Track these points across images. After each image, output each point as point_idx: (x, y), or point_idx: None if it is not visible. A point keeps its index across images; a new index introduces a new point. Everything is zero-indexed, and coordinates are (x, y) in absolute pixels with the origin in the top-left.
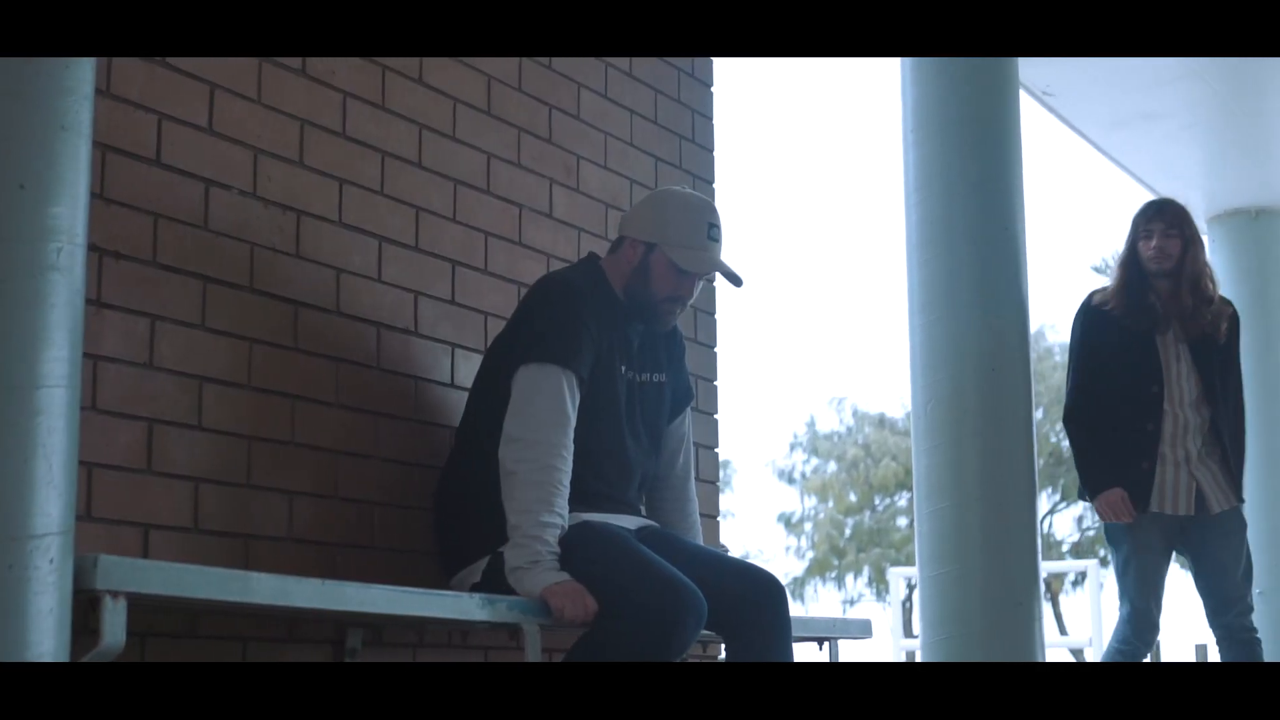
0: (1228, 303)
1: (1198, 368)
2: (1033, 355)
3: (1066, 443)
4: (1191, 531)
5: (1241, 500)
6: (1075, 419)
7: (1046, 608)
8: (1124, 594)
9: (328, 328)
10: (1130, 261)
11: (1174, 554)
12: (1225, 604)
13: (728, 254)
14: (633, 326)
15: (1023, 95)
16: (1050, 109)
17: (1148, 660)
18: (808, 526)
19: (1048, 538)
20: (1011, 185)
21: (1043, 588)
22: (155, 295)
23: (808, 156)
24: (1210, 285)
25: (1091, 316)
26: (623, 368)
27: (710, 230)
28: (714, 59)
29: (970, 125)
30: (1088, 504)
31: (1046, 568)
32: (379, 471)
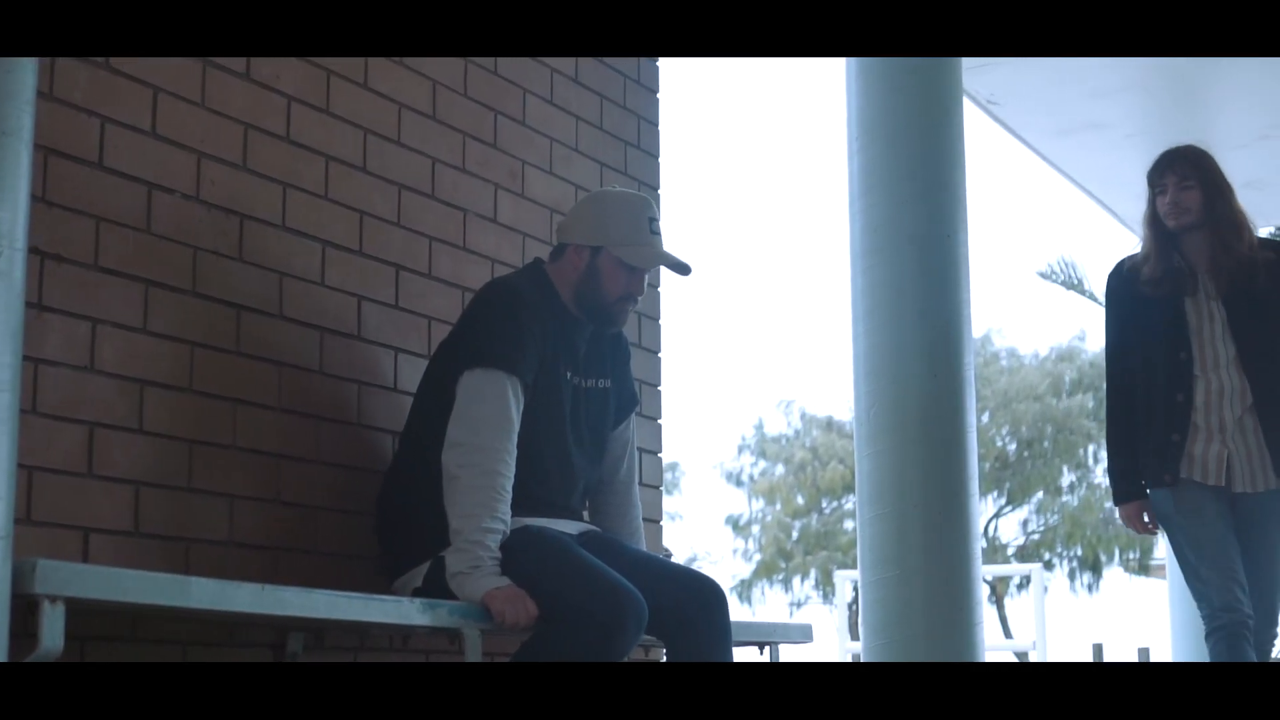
0: (1269, 246)
1: (1233, 327)
2: (978, 360)
3: (1013, 446)
4: (1239, 511)
5: None
6: (1108, 411)
7: (992, 611)
8: (1190, 582)
9: (270, 331)
10: (1152, 220)
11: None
12: (1261, 613)
13: (674, 250)
14: (579, 332)
15: (967, 104)
16: (995, 117)
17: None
18: (755, 529)
19: (993, 541)
20: (955, 193)
21: (987, 591)
22: (97, 298)
23: (754, 160)
24: (1243, 234)
25: (1113, 285)
26: (568, 373)
27: (651, 224)
28: (659, 64)
29: (915, 133)
30: (1033, 508)
31: (992, 571)
32: (321, 475)
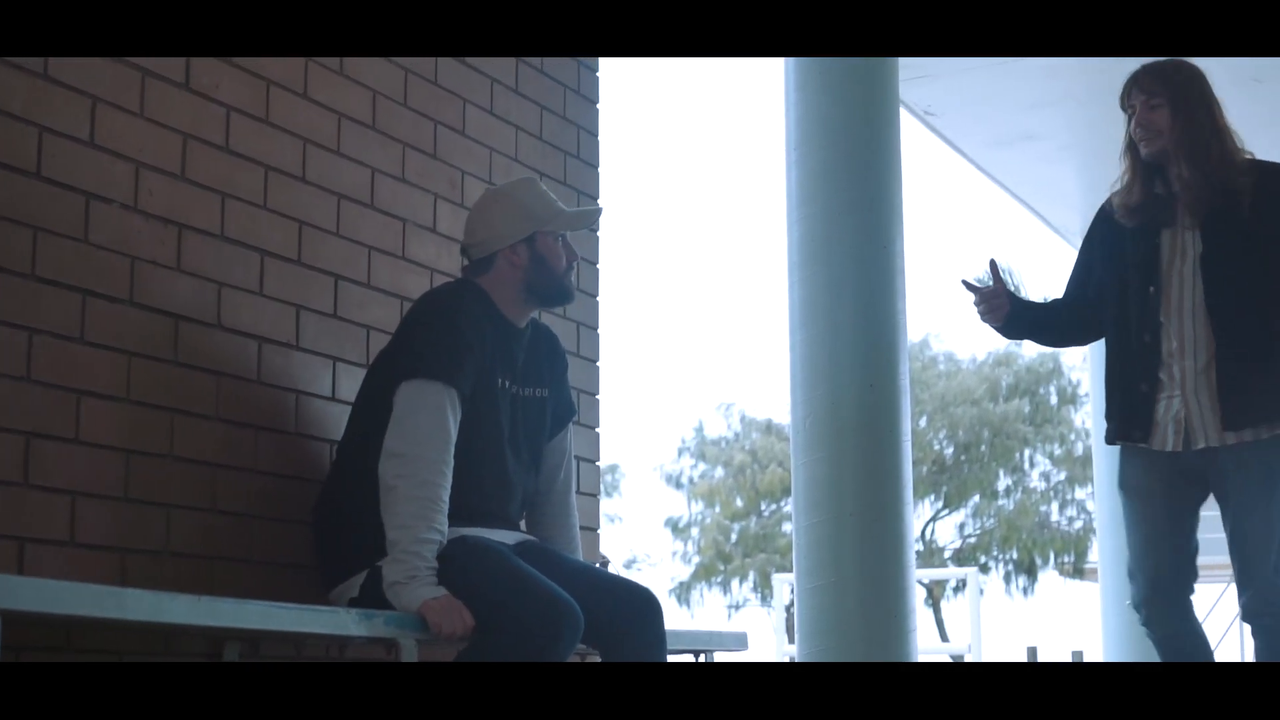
0: (1263, 170)
1: (1204, 263)
2: (916, 365)
3: (950, 450)
4: (1210, 475)
5: (1264, 430)
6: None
7: (928, 614)
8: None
9: (208, 341)
10: (1129, 146)
11: (1198, 505)
12: (1242, 576)
13: (613, 262)
14: (516, 341)
15: (905, 114)
16: (932, 128)
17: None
18: (694, 531)
19: (930, 544)
20: (892, 204)
21: (924, 594)
22: (34, 308)
23: (691, 165)
24: (1220, 154)
25: (1094, 221)
26: (505, 383)
27: (550, 192)
28: (599, 75)
29: (852, 144)
30: (969, 512)
31: (928, 575)
32: (258, 485)
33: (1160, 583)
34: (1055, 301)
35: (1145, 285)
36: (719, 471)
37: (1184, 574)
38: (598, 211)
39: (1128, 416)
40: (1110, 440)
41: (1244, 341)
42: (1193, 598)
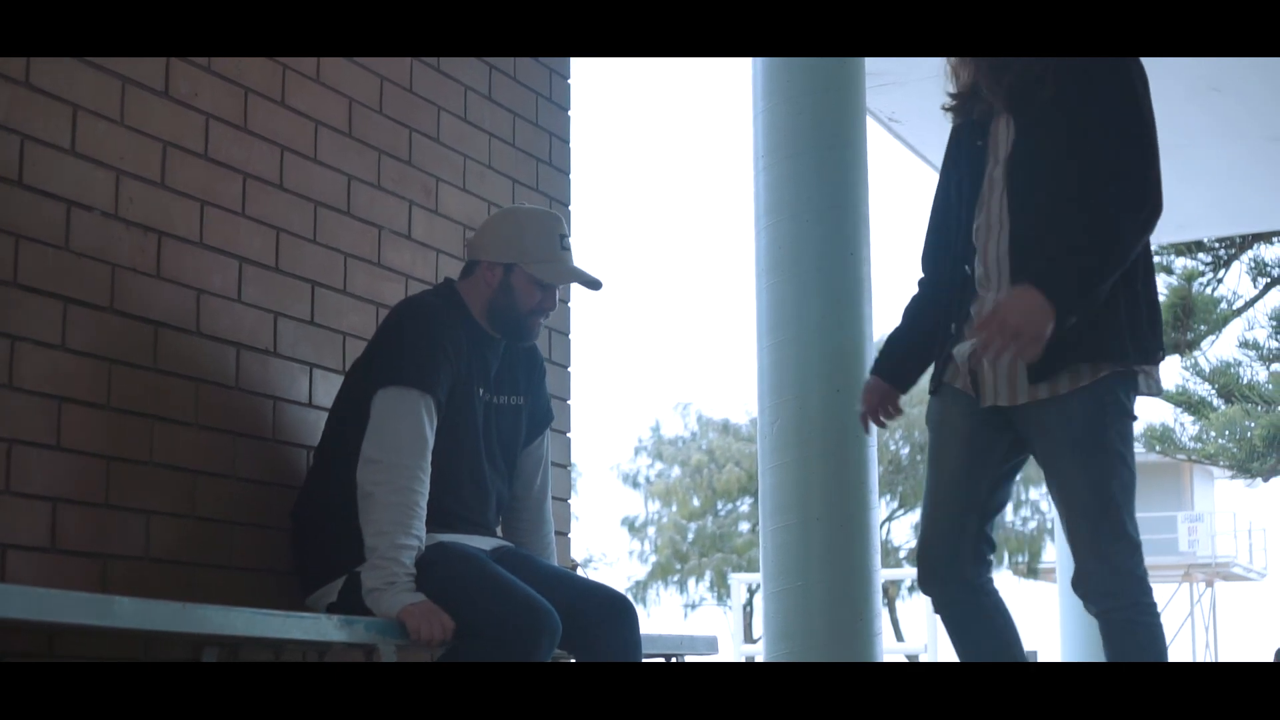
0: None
1: (1009, 163)
2: None
3: (906, 450)
4: (1019, 432)
5: (1063, 383)
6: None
7: (884, 614)
8: None
9: (187, 348)
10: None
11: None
12: (1074, 554)
13: (583, 264)
14: (491, 349)
15: (870, 122)
16: (896, 135)
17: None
18: (651, 531)
19: (886, 544)
20: (858, 211)
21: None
22: (15, 315)
23: (654, 169)
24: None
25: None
26: (480, 390)
27: (562, 241)
28: (570, 82)
29: (818, 151)
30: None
31: (884, 575)
32: (237, 491)
33: (936, 540)
34: (911, 308)
35: (971, 208)
36: (676, 471)
37: (967, 533)
38: (588, 280)
39: (940, 364)
40: (931, 390)
41: (1040, 249)
42: (987, 569)
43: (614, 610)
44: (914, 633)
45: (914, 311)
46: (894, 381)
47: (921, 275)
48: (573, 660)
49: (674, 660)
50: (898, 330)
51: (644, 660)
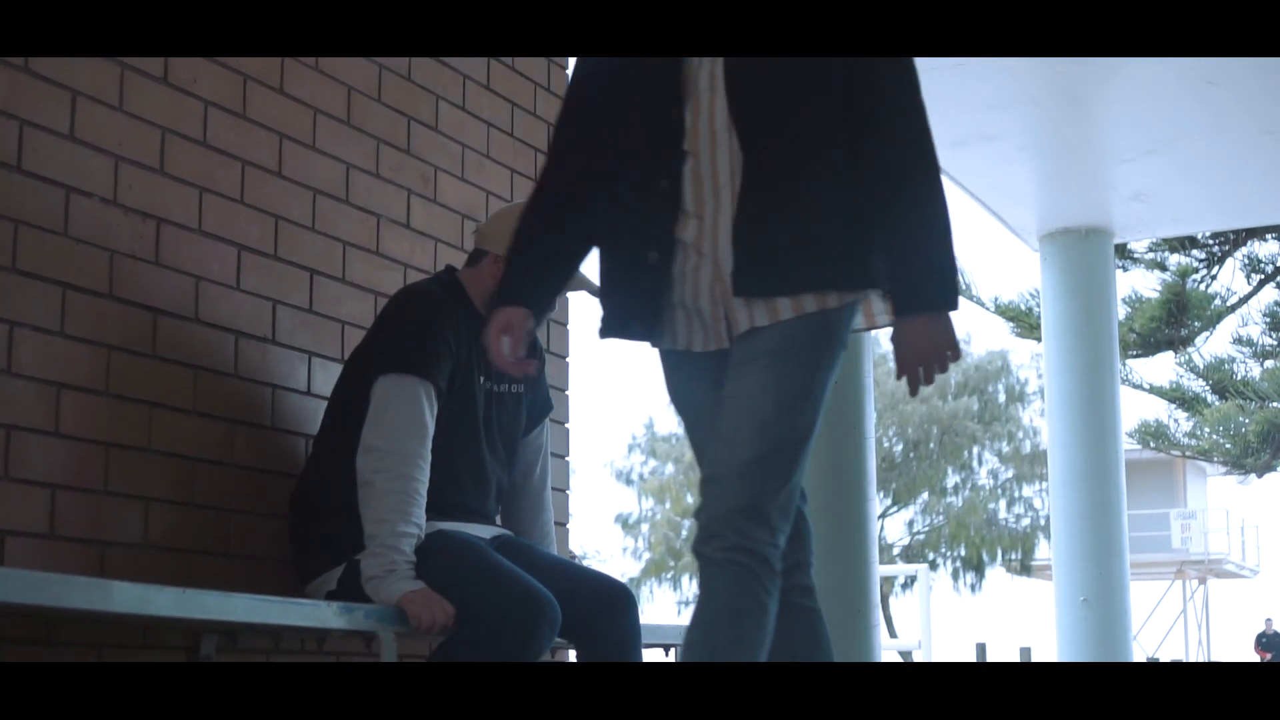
0: None
1: (733, 69)
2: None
3: (899, 447)
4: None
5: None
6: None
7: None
8: None
9: (186, 335)
10: None
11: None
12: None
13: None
14: None
15: None
16: None
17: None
18: (645, 528)
19: (879, 541)
20: None
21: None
22: (14, 301)
23: None
24: None
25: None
26: (481, 379)
27: None
28: (569, 72)
29: None
30: (918, 509)
31: (878, 571)
32: (236, 479)
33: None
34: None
35: (669, 107)
36: (669, 468)
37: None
38: (595, 289)
39: (647, 316)
40: (602, 334)
41: (772, 183)
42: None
43: (614, 599)
44: (908, 629)
45: (546, 215)
46: (530, 304)
47: (557, 168)
48: (572, 649)
49: (673, 651)
50: (528, 236)
51: (643, 650)
